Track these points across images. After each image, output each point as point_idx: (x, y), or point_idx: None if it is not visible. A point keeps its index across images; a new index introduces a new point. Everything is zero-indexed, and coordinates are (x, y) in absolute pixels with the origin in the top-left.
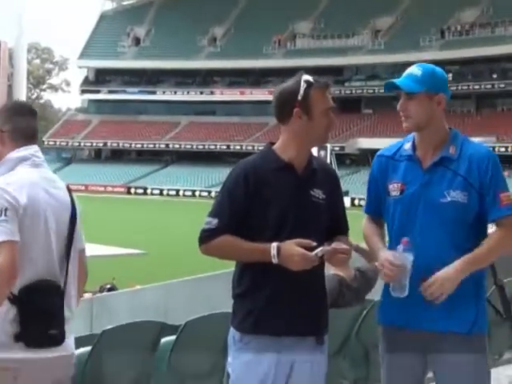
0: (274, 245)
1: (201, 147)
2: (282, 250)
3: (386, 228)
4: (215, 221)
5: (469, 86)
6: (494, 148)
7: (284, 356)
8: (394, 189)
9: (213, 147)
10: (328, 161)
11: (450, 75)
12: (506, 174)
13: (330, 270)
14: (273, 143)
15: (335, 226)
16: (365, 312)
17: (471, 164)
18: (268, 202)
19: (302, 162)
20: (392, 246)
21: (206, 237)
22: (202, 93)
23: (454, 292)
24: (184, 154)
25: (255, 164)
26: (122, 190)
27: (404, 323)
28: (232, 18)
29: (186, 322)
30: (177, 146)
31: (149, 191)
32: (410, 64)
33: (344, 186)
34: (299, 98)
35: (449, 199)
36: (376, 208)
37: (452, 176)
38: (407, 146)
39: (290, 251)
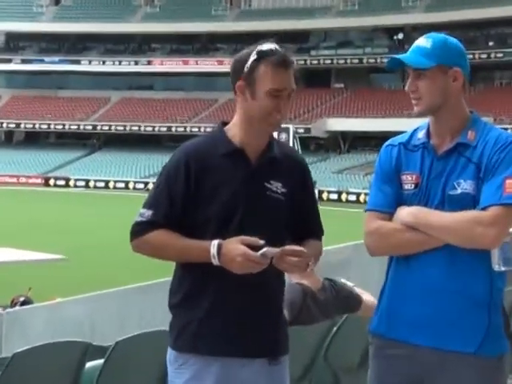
0: (215, 242)
1: (135, 129)
2: (224, 248)
3: None
4: (149, 212)
5: None
6: None
7: (228, 379)
8: (408, 181)
9: (150, 129)
10: (290, 145)
11: None
12: None
13: (292, 279)
14: (226, 123)
15: (303, 228)
16: (335, 329)
17: (485, 148)
18: (212, 194)
19: (256, 147)
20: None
21: (138, 231)
22: (136, 63)
23: (461, 299)
24: (115, 138)
25: (199, 148)
26: (39, 181)
27: (400, 336)
28: None
29: (117, 343)
30: (106, 127)
31: (72, 183)
32: (389, 29)
33: None
34: (245, 69)
35: (459, 191)
36: (386, 202)
37: (465, 164)
38: (421, 134)
39: (233, 250)
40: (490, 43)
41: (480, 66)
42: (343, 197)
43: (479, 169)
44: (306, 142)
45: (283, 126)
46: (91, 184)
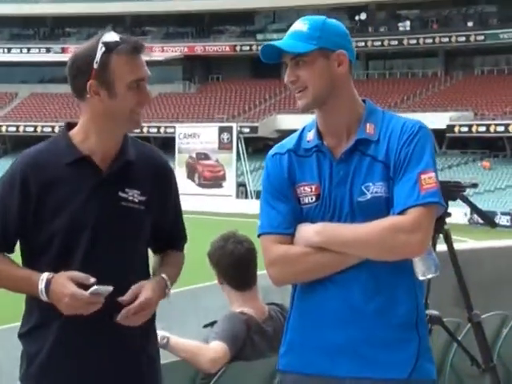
0: (44, 277)
1: (49, 130)
2: (52, 285)
3: None
4: None
5: (434, 38)
6: (470, 127)
7: None
8: (306, 193)
9: None
10: (234, 148)
11: (408, 23)
12: (486, 164)
13: (233, 307)
14: (71, 125)
15: (164, 239)
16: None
17: (390, 142)
18: (57, 209)
19: (107, 153)
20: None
21: None
22: (48, 50)
23: (386, 318)
24: (24, 140)
25: (39, 157)
26: None
27: (319, 369)
28: None
29: None
30: (13, 128)
31: None
32: (350, 8)
33: (256, 185)
34: (95, 65)
35: (369, 196)
36: (283, 222)
37: (370, 163)
38: (309, 135)
39: (60, 289)
40: (469, 24)
41: (458, 52)
42: None
43: (388, 167)
44: (253, 143)
45: (225, 124)
46: None
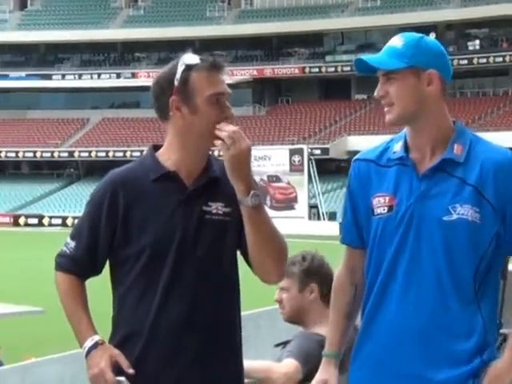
0: (95, 339)
1: (120, 154)
2: (95, 351)
3: (365, 263)
4: (72, 245)
5: (504, 56)
6: None
7: None
8: (380, 204)
9: (138, 154)
10: (305, 170)
11: (477, 42)
12: None
13: (309, 327)
14: (157, 146)
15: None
16: None
17: (484, 170)
18: (144, 224)
19: (193, 169)
20: (368, 292)
21: (57, 263)
22: (119, 76)
23: (448, 335)
24: (96, 166)
25: (128, 175)
26: (7, 220)
27: None
28: None
29: None
30: (85, 154)
31: (46, 221)
32: (419, 28)
33: (329, 207)
34: (176, 83)
35: (454, 217)
36: (356, 235)
37: (458, 185)
38: (397, 146)
39: (98, 358)
40: None
41: None
42: None
43: (480, 194)
44: (324, 165)
45: (296, 146)
46: (69, 222)
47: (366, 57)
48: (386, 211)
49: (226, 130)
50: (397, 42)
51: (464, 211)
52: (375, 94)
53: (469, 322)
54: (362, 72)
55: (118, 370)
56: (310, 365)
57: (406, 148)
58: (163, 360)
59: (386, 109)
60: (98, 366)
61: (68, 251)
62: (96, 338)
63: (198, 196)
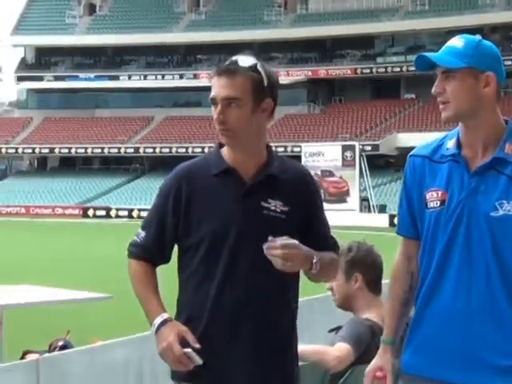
0: (164, 316)
1: (183, 150)
2: (163, 327)
3: (419, 254)
4: (142, 234)
5: None
6: None
7: None
8: (433, 198)
9: (199, 150)
10: (357, 165)
11: None
12: None
13: (359, 313)
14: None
15: (314, 246)
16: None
17: None
18: (204, 215)
19: (249, 165)
20: (421, 281)
21: (129, 252)
22: (182, 77)
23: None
24: (160, 161)
25: (192, 169)
26: (77, 212)
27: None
28: None
29: None
30: (150, 150)
31: (113, 213)
32: (465, 30)
33: (379, 200)
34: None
35: (501, 213)
36: (411, 227)
37: (507, 183)
38: (450, 143)
39: (166, 334)
40: None
41: None
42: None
43: None
44: (375, 160)
45: (348, 143)
46: (135, 214)
47: (429, 54)
48: (438, 205)
49: (277, 253)
50: (457, 42)
51: (510, 208)
52: (433, 90)
53: None
54: (420, 69)
55: (184, 345)
56: (360, 348)
57: (459, 145)
58: (221, 341)
59: (441, 106)
60: (167, 340)
61: (139, 240)
62: (165, 315)
63: (257, 191)
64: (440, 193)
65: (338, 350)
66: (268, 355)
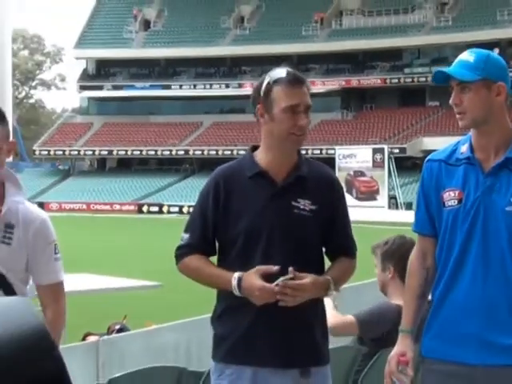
0: (236, 275)
1: (228, 153)
2: (243, 282)
3: (437, 249)
4: (186, 236)
5: None
6: None
7: None
8: (450, 197)
9: (243, 152)
10: (385, 166)
11: None
12: None
13: (392, 298)
14: (256, 147)
15: (334, 245)
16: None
17: None
18: (240, 213)
19: (282, 167)
20: (440, 274)
21: (179, 255)
22: (227, 86)
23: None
24: (208, 162)
25: (228, 172)
26: (132, 208)
27: (460, 358)
28: None
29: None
30: (198, 152)
31: (165, 209)
32: (485, 44)
33: (405, 197)
34: (261, 94)
35: None
36: (428, 225)
37: None
38: (464, 148)
39: (250, 284)
40: None
41: None
42: None
43: None
44: (402, 162)
45: (377, 146)
46: (185, 210)
47: (447, 69)
48: (456, 203)
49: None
50: (468, 57)
51: None
52: (450, 101)
53: None
54: (438, 82)
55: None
56: (368, 326)
57: (472, 149)
58: (257, 328)
59: (458, 116)
60: (256, 287)
61: (184, 242)
62: (236, 274)
63: (288, 192)
64: (457, 192)
65: (343, 319)
66: (299, 343)
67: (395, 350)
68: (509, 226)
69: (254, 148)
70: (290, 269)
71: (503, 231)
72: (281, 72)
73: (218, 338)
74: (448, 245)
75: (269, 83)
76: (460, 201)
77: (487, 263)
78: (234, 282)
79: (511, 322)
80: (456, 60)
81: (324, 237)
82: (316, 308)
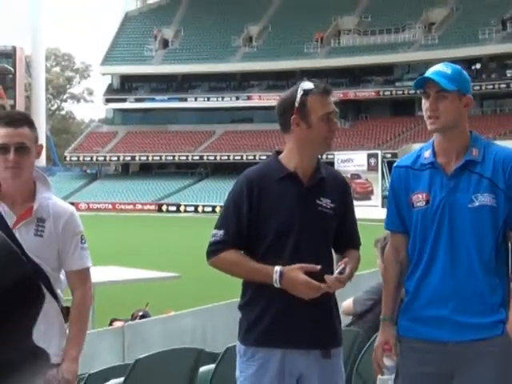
0: (277, 269)
1: (238, 158)
2: (285, 276)
3: (409, 245)
4: (221, 232)
5: None
6: None
7: (289, 369)
8: (419, 199)
9: (251, 157)
10: (379, 169)
11: None
12: None
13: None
14: (279, 152)
15: (345, 238)
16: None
17: (496, 165)
18: (271, 211)
19: (307, 170)
20: (414, 266)
21: (213, 251)
22: (237, 98)
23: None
24: (220, 166)
25: (260, 173)
26: (153, 207)
27: (430, 336)
28: (269, 15)
29: (227, 349)
30: (212, 157)
31: (182, 208)
32: (468, 60)
33: None
34: (296, 105)
35: (477, 204)
36: (399, 223)
37: (478, 179)
38: (427, 153)
39: (294, 278)
40: None
41: None
42: None
43: (494, 184)
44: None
45: (372, 152)
46: (200, 209)
47: (431, 75)
48: (423, 204)
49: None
50: (445, 69)
51: (484, 199)
52: (427, 105)
53: (491, 284)
54: (417, 87)
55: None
56: (361, 307)
57: (434, 154)
58: (279, 316)
59: (430, 120)
60: (301, 282)
61: (218, 239)
62: (277, 268)
63: (312, 192)
64: (424, 194)
65: (345, 302)
66: (319, 326)
67: (379, 340)
68: (473, 221)
69: (278, 152)
70: (318, 267)
71: (468, 227)
72: (309, 84)
73: (248, 323)
74: (421, 241)
75: (303, 94)
76: (427, 202)
77: (455, 256)
78: (276, 276)
79: (476, 305)
80: (432, 70)
81: (336, 231)
82: (334, 295)
